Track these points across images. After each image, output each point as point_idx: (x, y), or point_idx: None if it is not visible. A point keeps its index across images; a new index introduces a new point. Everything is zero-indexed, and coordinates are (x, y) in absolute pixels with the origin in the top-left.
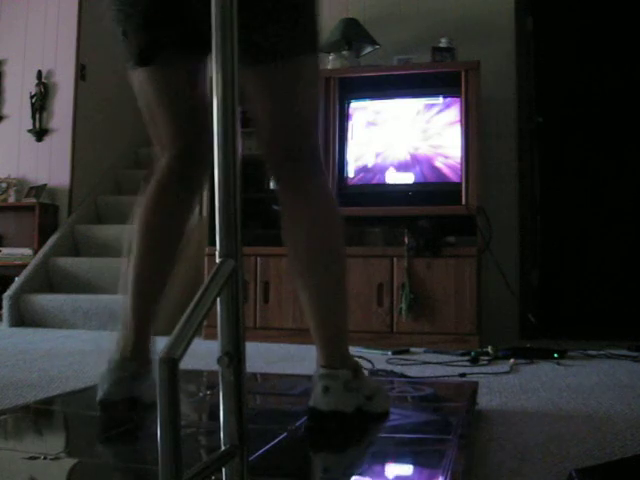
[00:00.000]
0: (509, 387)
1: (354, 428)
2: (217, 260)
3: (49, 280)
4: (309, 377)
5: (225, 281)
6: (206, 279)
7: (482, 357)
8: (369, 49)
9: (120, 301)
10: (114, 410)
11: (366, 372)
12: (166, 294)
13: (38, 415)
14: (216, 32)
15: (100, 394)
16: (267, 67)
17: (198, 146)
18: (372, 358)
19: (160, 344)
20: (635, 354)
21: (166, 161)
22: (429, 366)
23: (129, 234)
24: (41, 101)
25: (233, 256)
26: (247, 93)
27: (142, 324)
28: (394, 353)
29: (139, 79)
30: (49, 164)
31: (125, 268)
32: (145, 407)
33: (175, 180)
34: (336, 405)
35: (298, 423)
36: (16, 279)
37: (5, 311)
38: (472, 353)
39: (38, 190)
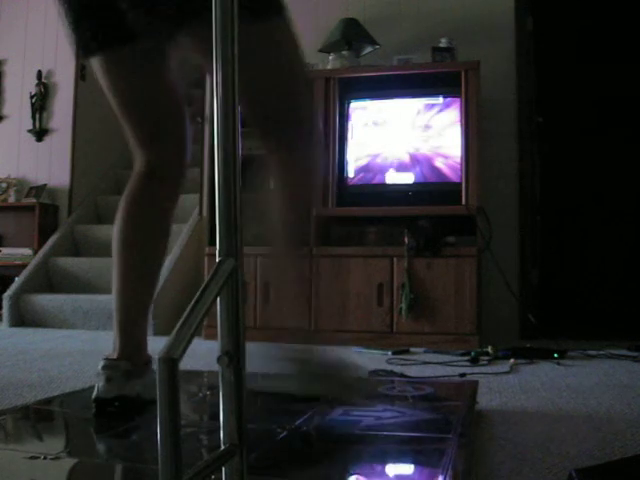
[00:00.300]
0: (509, 387)
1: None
2: (217, 259)
3: (49, 280)
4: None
5: (225, 280)
6: (206, 279)
7: (482, 357)
8: (369, 49)
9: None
10: (106, 408)
11: (367, 373)
12: (156, 291)
13: (38, 415)
14: (216, 32)
15: (94, 393)
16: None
17: (165, 144)
18: (372, 358)
19: (160, 344)
20: (635, 354)
21: (140, 160)
22: (429, 366)
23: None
24: (41, 101)
25: (233, 255)
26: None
27: (131, 322)
28: (394, 353)
29: (95, 69)
30: (49, 164)
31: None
32: (143, 405)
33: (152, 176)
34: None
35: (298, 423)
36: (16, 279)
37: (5, 311)
38: (472, 353)
39: (38, 190)
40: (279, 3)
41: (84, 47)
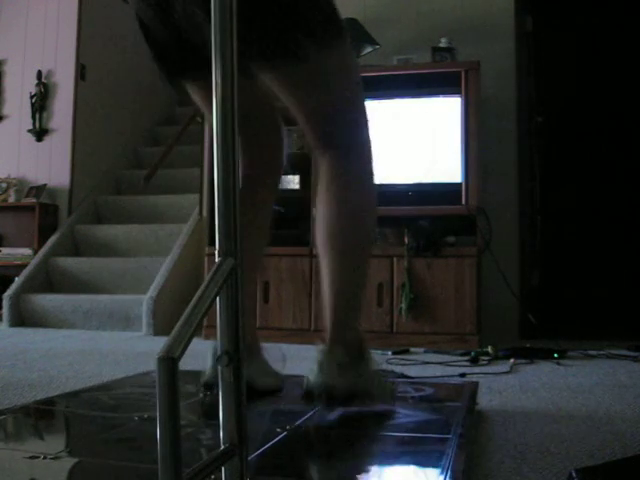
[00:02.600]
0: (509, 387)
1: (344, 408)
2: (216, 259)
3: (49, 280)
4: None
5: (225, 280)
6: (206, 278)
7: (482, 357)
8: (369, 49)
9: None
10: (213, 392)
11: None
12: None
13: (38, 415)
14: (215, 31)
15: (203, 377)
16: (280, 67)
17: (261, 151)
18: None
19: (160, 344)
20: (635, 354)
21: (242, 164)
22: (429, 366)
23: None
24: (41, 101)
25: (233, 255)
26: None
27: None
28: (394, 353)
29: (188, 89)
30: (49, 164)
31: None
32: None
33: (249, 182)
34: (327, 380)
35: (298, 423)
36: (16, 279)
37: (5, 311)
38: (472, 353)
39: (38, 190)
40: (340, 27)
41: (172, 76)
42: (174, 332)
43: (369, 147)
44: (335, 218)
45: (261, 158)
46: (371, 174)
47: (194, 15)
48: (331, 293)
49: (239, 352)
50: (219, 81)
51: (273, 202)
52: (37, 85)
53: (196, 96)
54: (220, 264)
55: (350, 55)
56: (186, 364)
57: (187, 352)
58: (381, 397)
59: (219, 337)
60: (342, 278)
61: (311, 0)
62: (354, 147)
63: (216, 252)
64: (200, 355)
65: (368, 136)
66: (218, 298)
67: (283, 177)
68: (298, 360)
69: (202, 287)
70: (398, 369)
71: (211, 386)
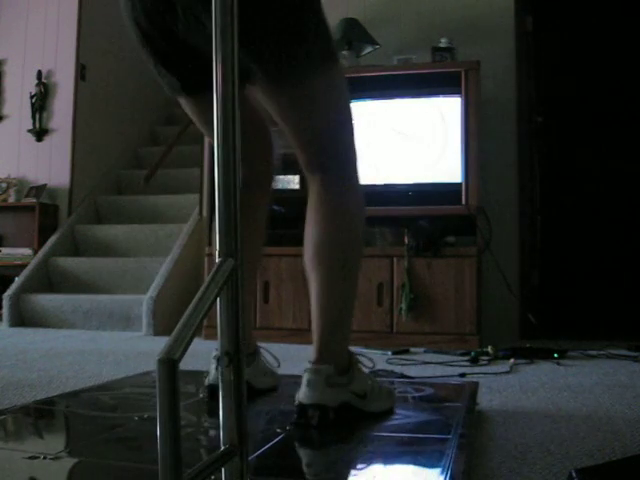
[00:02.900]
0: (509, 387)
1: (339, 424)
2: (217, 260)
3: (49, 280)
4: None
5: (225, 280)
6: (206, 279)
7: (482, 357)
8: (369, 49)
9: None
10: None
11: (367, 370)
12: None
13: (38, 415)
14: (216, 31)
15: (207, 379)
16: (274, 88)
17: (252, 154)
18: (372, 358)
19: (160, 344)
20: (635, 354)
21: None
22: (429, 366)
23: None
24: (41, 101)
25: (233, 255)
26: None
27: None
28: (394, 353)
29: (184, 105)
30: (49, 164)
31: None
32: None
33: (245, 184)
34: (317, 399)
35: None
36: (16, 279)
37: (5, 311)
38: (472, 353)
39: (38, 190)
40: (335, 50)
41: (170, 88)
42: (174, 333)
43: (357, 167)
44: (325, 236)
45: (252, 161)
46: (360, 194)
47: (197, 23)
48: (319, 309)
49: (239, 353)
50: (220, 81)
51: (267, 204)
52: (37, 85)
53: (189, 110)
54: (220, 265)
55: (341, 78)
56: (186, 364)
57: (187, 352)
58: (378, 404)
59: (219, 338)
60: (330, 295)
61: (314, 22)
62: (344, 170)
63: (216, 253)
64: (200, 355)
65: (356, 157)
66: (218, 299)
67: (283, 177)
68: (298, 360)
69: (202, 288)
70: (398, 369)
71: (215, 389)
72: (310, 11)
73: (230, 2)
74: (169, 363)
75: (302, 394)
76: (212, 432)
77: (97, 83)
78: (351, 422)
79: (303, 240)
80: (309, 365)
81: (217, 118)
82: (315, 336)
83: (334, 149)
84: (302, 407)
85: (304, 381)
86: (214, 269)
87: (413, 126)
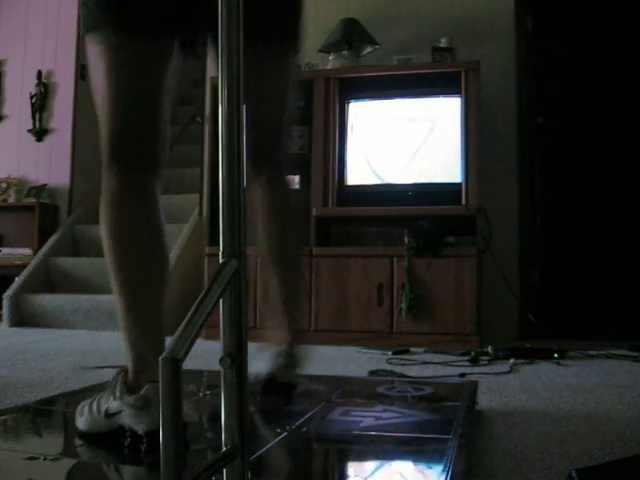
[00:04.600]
0: (509, 387)
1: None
2: (220, 260)
3: (49, 280)
4: (309, 377)
5: (228, 282)
6: (209, 279)
7: (482, 357)
8: (369, 49)
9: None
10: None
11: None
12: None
13: (38, 415)
14: (222, 28)
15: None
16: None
17: (147, 144)
18: (372, 358)
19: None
20: (635, 354)
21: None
22: (429, 366)
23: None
24: (41, 101)
25: (236, 257)
26: None
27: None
28: (394, 353)
29: (109, 46)
30: (49, 164)
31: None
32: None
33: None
34: (290, 378)
35: (298, 423)
36: (16, 279)
37: (5, 311)
38: (472, 353)
39: (38, 190)
40: (298, 42)
41: (111, 21)
42: (178, 333)
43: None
44: (287, 231)
45: (142, 156)
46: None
47: None
48: (286, 296)
49: (242, 354)
50: (225, 80)
51: (157, 208)
52: (37, 85)
53: (113, 57)
54: (223, 265)
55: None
56: (186, 364)
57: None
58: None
59: (222, 338)
60: (294, 283)
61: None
62: (287, 168)
63: (220, 254)
64: (200, 355)
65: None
66: (221, 299)
67: None
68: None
69: (205, 289)
70: (398, 369)
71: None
72: None
73: (236, 1)
74: (173, 362)
75: (279, 371)
76: (213, 433)
77: None
78: (351, 421)
79: (258, 236)
80: (285, 346)
81: (222, 120)
82: (284, 319)
83: (284, 142)
84: (276, 383)
85: (281, 360)
86: (217, 270)
87: (413, 126)
